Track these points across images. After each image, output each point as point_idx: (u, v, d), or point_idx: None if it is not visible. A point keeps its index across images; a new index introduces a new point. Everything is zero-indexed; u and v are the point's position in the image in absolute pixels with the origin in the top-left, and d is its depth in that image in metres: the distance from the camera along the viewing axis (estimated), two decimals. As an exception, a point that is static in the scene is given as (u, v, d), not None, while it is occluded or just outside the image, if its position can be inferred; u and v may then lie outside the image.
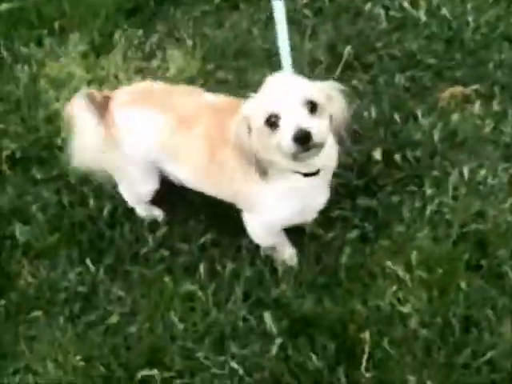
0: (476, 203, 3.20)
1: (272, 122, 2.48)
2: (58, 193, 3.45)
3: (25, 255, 3.28)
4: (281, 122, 2.46)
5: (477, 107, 3.55)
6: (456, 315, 2.89)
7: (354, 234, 3.17)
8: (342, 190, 3.33)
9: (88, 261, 3.21)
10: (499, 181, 3.28)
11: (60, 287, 3.16)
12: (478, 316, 2.89)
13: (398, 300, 2.95)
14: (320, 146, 2.49)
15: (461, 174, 3.32)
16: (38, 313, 3.12)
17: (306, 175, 2.68)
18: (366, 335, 2.79)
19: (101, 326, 3.04)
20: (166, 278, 3.10)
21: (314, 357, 2.82)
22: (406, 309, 2.92)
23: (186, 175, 2.94)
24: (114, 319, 3.04)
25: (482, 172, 3.31)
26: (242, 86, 3.77)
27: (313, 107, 2.48)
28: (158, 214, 3.26)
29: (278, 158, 2.56)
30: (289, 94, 2.48)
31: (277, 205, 2.80)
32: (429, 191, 3.26)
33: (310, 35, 3.97)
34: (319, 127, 2.46)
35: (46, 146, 3.66)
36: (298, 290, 3.02)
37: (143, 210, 3.22)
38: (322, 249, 3.14)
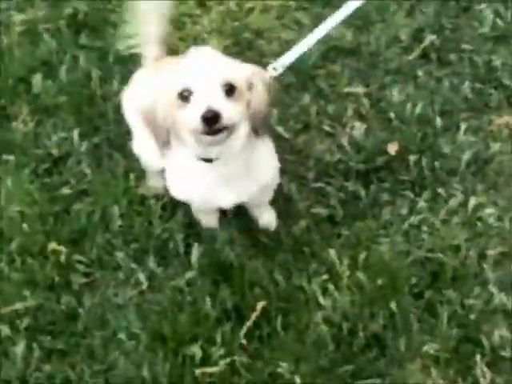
0: (461, 237, 2.97)
1: (184, 96, 2.34)
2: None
3: (28, 104, 3.38)
4: (192, 98, 2.33)
5: (526, 147, 3.25)
6: (367, 329, 2.72)
7: (322, 211, 3.05)
8: (342, 166, 3.18)
9: (76, 133, 3.26)
10: (500, 226, 3.01)
11: (39, 144, 3.26)
12: (388, 341, 2.71)
13: (323, 290, 2.81)
14: (229, 131, 2.35)
15: (465, 202, 3.07)
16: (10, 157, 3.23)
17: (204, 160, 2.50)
18: (260, 305, 2.69)
19: (53, 192, 3.10)
20: (132, 175, 3.11)
21: (208, 303, 2.76)
22: (324, 301, 2.79)
23: None
24: (65, 191, 3.09)
25: (489, 210, 3.05)
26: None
27: (230, 90, 2.33)
28: None
29: (185, 134, 2.43)
30: (208, 70, 2.34)
31: (174, 182, 2.71)
32: (421, 204, 3.07)
33: (406, 9, 3.74)
34: (231, 111, 2.32)
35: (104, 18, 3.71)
36: (234, 240, 2.95)
37: None
38: (283, 212, 3.02)
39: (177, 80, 2.36)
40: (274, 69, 2.69)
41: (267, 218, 3.00)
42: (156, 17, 2.86)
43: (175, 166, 2.64)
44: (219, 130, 2.31)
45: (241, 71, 2.40)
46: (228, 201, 2.67)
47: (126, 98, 2.89)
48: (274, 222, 3.01)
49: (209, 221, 3.00)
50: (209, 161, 2.47)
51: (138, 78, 2.89)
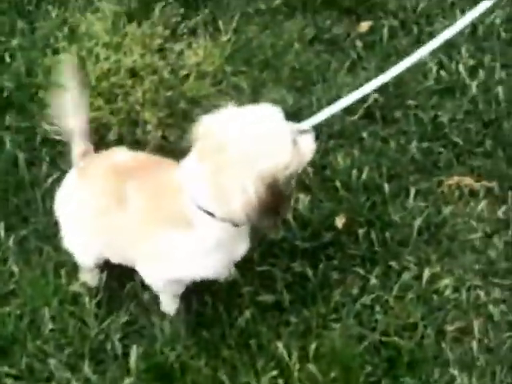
0: (416, 314, 2.82)
1: None
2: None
3: None
4: None
5: (480, 207, 3.12)
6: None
7: (268, 297, 2.87)
8: (287, 246, 3.01)
9: (1, 226, 3.09)
10: (457, 298, 2.86)
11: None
12: None
13: (273, 387, 2.64)
14: None
15: (420, 275, 2.92)
16: None
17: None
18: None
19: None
20: (62, 271, 2.92)
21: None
22: (275, 400, 2.60)
23: None
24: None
25: (445, 282, 2.90)
26: (254, 99, 3.50)
27: None
28: None
29: None
30: None
31: (200, 258, 2.55)
32: (373, 281, 2.91)
33: (347, 66, 3.60)
34: None
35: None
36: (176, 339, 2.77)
37: None
38: (226, 302, 2.85)
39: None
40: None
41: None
42: (74, 110, 2.70)
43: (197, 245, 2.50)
44: None
45: None
46: (243, 250, 2.63)
47: (60, 201, 2.81)
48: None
49: (173, 303, 2.84)
50: None
51: (69, 180, 2.80)
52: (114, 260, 2.76)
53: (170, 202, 2.45)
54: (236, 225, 2.40)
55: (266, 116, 2.38)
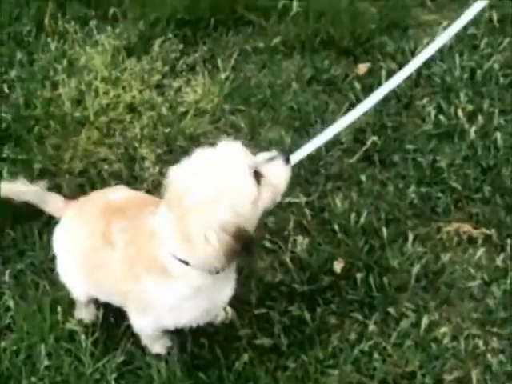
0: (415, 362, 2.83)
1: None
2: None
3: None
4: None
5: (478, 255, 3.14)
6: None
7: (266, 341, 2.87)
8: (285, 288, 3.01)
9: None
10: (455, 346, 2.87)
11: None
12: None
13: None
14: None
15: (418, 322, 2.93)
16: None
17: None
18: None
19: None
20: (59, 308, 2.91)
21: None
22: None
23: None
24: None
25: (443, 330, 2.92)
26: (252, 138, 3.54)
27: None
28: None
29: None
30: None
31: (179, 307, 2.53)
32: (371, 327, 2.92)
33: (346, 108, 3.63)
34: None
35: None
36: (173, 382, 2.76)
37: None
38: (224, 345, 2.84)
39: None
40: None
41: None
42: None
43: (177, 293, 2.47)
44: None
45: None
46: (228, 295, 2.59)
47: (57, 235, 2.81)
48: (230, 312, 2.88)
49: (161, 345, 2.83)
50: None
51: (67, 215, 2.81)
52: (103, 299, 2.76)
53: (150, 249, 2.43)
54: (213, 272, 2.36)
55: (223, 156, 2.30)
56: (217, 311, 2.74)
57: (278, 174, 2.37)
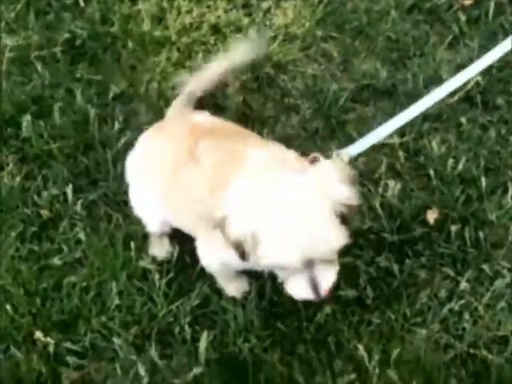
0: (508, 326, 2.73)
1: None
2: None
3: (16, 152, 3.15)
4: None
5: None
6: None
7: (350, 293, 2.77)
8: (373, 237, 2.90)
9: (69, 189, 3.01)
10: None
11: (28, 202, 3.01)
12: None
13: (349, 393, 2.57)
14: None
15: (515, 281, 2.80)
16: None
17: None
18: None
19: (42, 261, 2.86)
20: (132, 244, 2.86)
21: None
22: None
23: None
24: (56, 262, 2.85)
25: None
26: (344, 68, 3.40)
27: None
28: None
29: None
30: None
31: None
32: (463, 285, 2.81)
33: (448, 41, 3.45)
34: None
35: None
36: (249, 328, 2.70)
37: None
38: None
39: None
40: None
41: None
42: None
43: None
44: None
45: None
46: None
47: (131, 162, 2.76)
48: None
49: (236, 288, 2.77)
50: None
51: (142, 141, 2.74)
52: (175, 224, 2.71)
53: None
54: None
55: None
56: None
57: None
